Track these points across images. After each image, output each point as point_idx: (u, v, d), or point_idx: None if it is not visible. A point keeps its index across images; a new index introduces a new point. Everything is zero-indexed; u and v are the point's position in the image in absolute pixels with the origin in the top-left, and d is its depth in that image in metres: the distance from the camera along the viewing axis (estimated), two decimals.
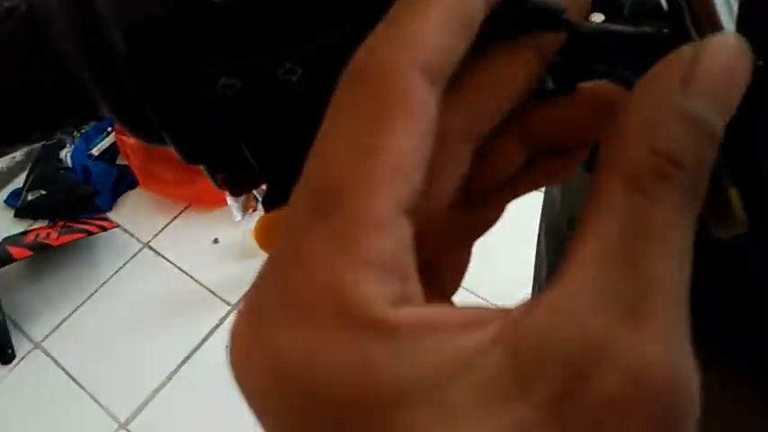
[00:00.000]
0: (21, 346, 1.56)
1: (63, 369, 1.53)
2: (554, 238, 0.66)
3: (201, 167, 0.20)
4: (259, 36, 0.15)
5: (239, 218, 1.72)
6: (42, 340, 1.58)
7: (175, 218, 1.78)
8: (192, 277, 1.65)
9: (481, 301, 1.33)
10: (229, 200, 1.72)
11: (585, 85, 0.17)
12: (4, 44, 0.17)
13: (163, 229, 1.76)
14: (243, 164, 0.19)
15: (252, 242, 1.62)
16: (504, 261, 1.22)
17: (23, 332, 1.59)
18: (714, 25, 0.21)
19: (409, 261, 0.13)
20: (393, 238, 0.13)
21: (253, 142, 0.17)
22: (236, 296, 1.59)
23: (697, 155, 0.13)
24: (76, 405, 1.46)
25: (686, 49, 0.14)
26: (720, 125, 0.14)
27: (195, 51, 0.15)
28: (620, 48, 0.21)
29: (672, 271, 0.13)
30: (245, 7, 0.15)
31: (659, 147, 0.13)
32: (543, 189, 0.69)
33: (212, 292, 1.61)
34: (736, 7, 0.20)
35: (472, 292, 1.35)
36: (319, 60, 0.16)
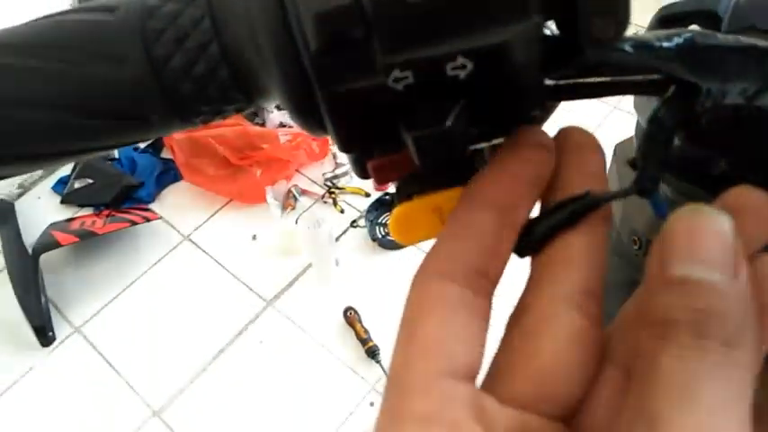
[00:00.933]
0: (61, 329, 1.60)
1: (101, 354, 1.56)
2: (611, 249, 0.65)
3: (349, 157, 0.21)
4: (437, 29, 0.16)
5: (278, 216, 1.74)
6: (82, 325, 1.61)
7: (216, 213, 1.81)
8: (229, 271, 1.67)
9: None
10: (269, 198, 1.74)
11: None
12: (186, 29, 0.19)
13: (203, 224, 1.79)
14: (398, 152, 0.19)
15: (289, 240, 1.64)
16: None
17: (64, 316, 1.63)
18: None
19: (461, 414, 0.16)
20: (436, 397, 0.16)
21: (415, 130, 0.17)
22: (271, 292, 1.60)
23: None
24: (112, 390, 1.49)
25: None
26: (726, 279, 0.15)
27: (374, 43, 0.16)
28: (752, 61, 0.22)
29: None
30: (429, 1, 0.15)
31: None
32: None
33: (248, 287, 1.63)
34: None
35: None
36: (491, 55, 0.16)
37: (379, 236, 1.67)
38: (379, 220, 1.70)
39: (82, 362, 1.55)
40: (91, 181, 1.86)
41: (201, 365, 1.51)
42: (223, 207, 1.82)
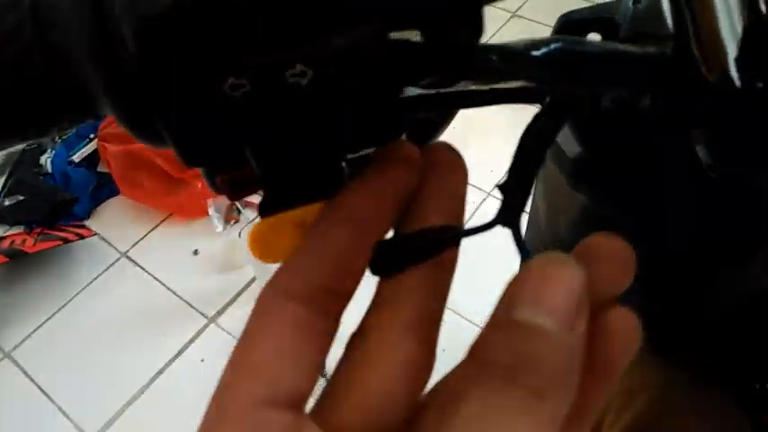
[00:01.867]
0: None
1: (32, 380, 1.49)
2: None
3: (201, 170, 0.19)
4: (272, 34, 0.15)
5: (220, 229, 1.70)
6: (12, 350, 1.54)
7: (155, 228, 1.75)
8: (169, 288, 1.62)
9: (465, 322, 1.32)
10: (211, 211, 1.70)
11: None
12: (6, 37, 0.17)
13: (142, 239, 1.73)
14: (244, 167, 0.18)
15: (232, 254, 1.61)
16: (488, 280, 1.22)
17: None
18: (716, 47, 0.21)
19: None
20: (248, 427, 0.16)
21: (257, 146, 0.16)
22: (213, 308, 1.56)
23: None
24: (44, 418, 1.42)
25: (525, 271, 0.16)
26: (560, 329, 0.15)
27: (204, 49, 0.15)
28: (622, 68, 0.21)
29: None
30: (258, 3, 0.14)
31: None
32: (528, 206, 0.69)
33: (189, 304, 1.58)
34: (740, 29, 0.20)
35: (455, 312, 1.35)
36: (332, 63, 0.15)
37: None
38: None
39: (12, 389, 1.47)
40: (22, 198, 1.78)
41: (139, 387, 1.45)
42: (163, 222, 1.76)
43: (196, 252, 1.68)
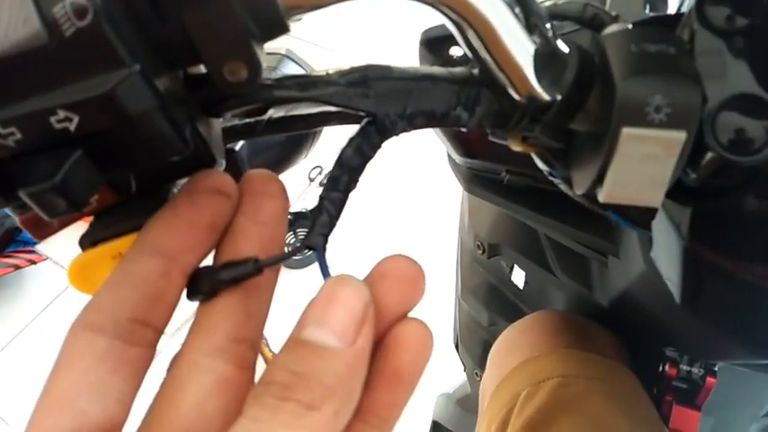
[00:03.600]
0: None
1: None
2: (467, 254, 0.67)
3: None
4: (20, 86, 0.15)
5: None
6: None
7: None
8: None
9: None
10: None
11: None
12: None
13: None
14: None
15: None
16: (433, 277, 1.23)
17: None
18: (516, 72, 0.22)
19: None
20: None
21: (32, 188, 0.16)
22: (173, 325, 1.53)
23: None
24: None
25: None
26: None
27: None
28: (428, 88, 0.22)
29: None
30: (5, 61, 0.15)
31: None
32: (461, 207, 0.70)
33: None
34: (531, 51, 0.21)
35: None
36: (95, 107, 0.16)
37: None
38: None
39: None
40: None
41: None
42: None
43: None
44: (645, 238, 0.33)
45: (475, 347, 0.75)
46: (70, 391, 0.17)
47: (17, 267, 1.61)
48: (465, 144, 0.40)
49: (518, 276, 0.61)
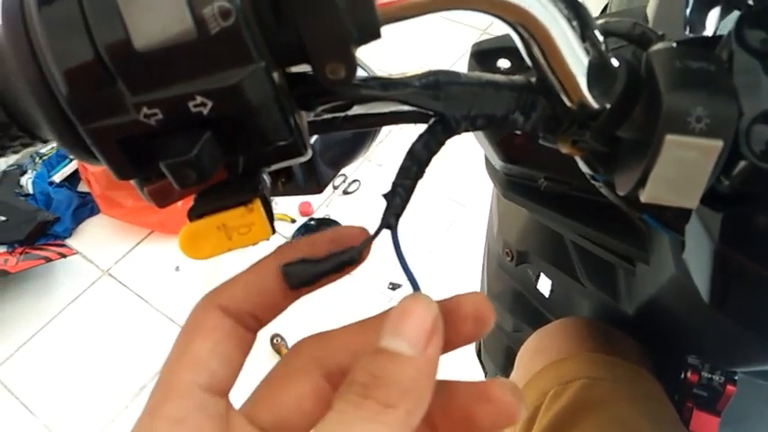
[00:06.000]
0: None
1: (17, 398, 1.50)
2: (494, 260, 0.69)
3: (132, 183, 0.22)
4: (169, 74, 0.18)
5: None
6: None
7: (137, 245, 1.77)
8: (151, 305, 1.64)
9: None
10: None
11: None
12: None
13: (123, 257, 1.75)
14: (164, 178, 0.21)
15: (214, 270, 1.62)
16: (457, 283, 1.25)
17: None
18: (570, 80, 0.24)
19: (206, 422, 0.20)
20: (191, 404, 0.20)
21: (171, 160, 0.19)
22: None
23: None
24: None
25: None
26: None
27: (120, 87, 0.18)
28: (490, 93, 0.25)
29: None
30: (159, 52, 0.18)
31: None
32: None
33: (172, 320, 1.60)
34: (585, 61, 0.24)
35: None
36: (225, 96, 0.18)
37: None
38: None
39: None
40: (4, 218, 1.79)
41: (123, 403, 1.47)
42: (144, 239, 1.78)
43: (178, 268, 1.70)
44: (676, 244, 0.36)
45: (498, 353, 0.77)
46: (205, 355, 0.21)
47: (48, 260, 1.66)
48: (508, 150, 0.43)
49: (544, 285, 0.63)
